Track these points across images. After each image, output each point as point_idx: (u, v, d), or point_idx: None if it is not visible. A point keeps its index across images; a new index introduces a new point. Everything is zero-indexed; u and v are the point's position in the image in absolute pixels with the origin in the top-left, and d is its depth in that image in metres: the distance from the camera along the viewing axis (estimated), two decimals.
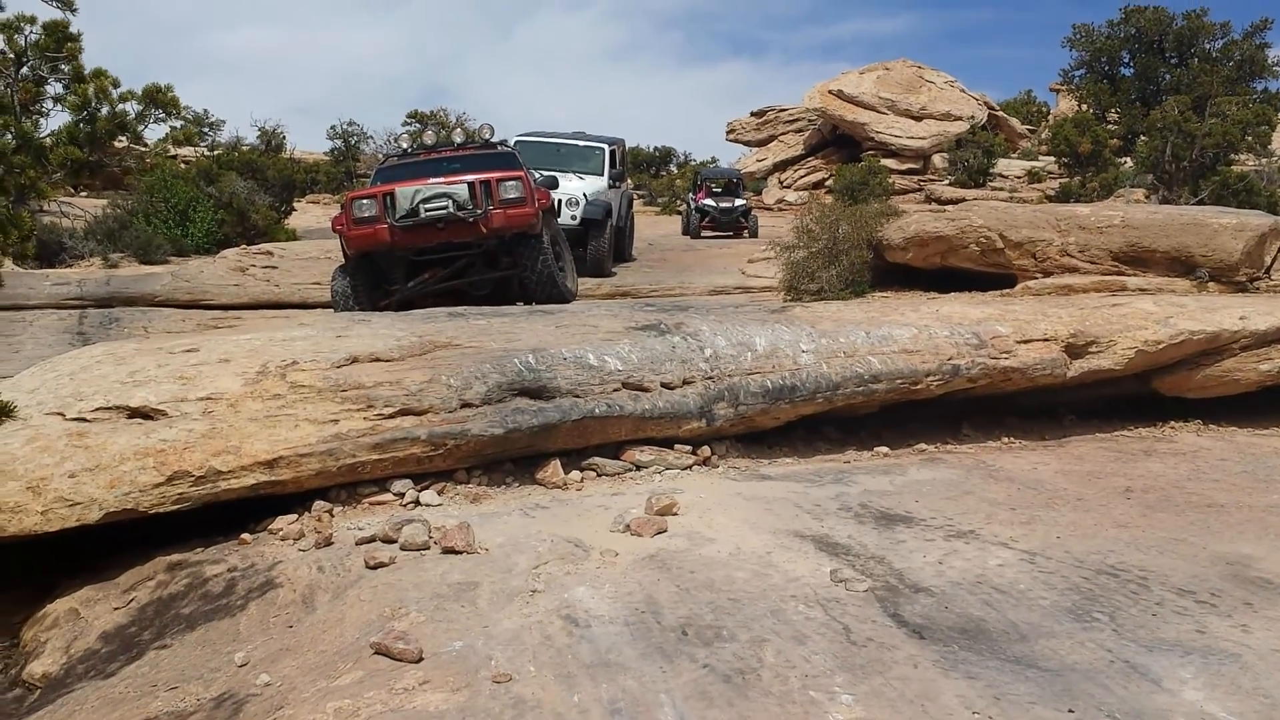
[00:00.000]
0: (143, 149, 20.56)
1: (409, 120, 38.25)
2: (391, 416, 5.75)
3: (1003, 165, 32.62)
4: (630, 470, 6.31)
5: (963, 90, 37.56)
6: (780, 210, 32.23)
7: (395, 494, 5.73)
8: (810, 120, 38.75)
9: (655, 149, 49.81)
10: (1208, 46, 33.86)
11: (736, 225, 26.01)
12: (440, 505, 5.66)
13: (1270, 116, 23.49)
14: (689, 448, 6.58)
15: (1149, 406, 7.97)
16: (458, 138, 12.33)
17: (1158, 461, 6.85)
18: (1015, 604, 4.28)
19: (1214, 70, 30.63)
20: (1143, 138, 23.58)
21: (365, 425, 5.67)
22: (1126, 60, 35.09)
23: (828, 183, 32.95)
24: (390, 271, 10.96)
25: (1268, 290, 8.97)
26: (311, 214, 28.14)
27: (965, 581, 4.53)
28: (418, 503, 5.68)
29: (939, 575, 4.60)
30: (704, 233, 25.72)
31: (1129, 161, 25.64)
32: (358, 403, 5.75)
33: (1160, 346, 7.52)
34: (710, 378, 6.70)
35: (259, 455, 5.43)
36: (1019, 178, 31.96)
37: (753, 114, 41.90)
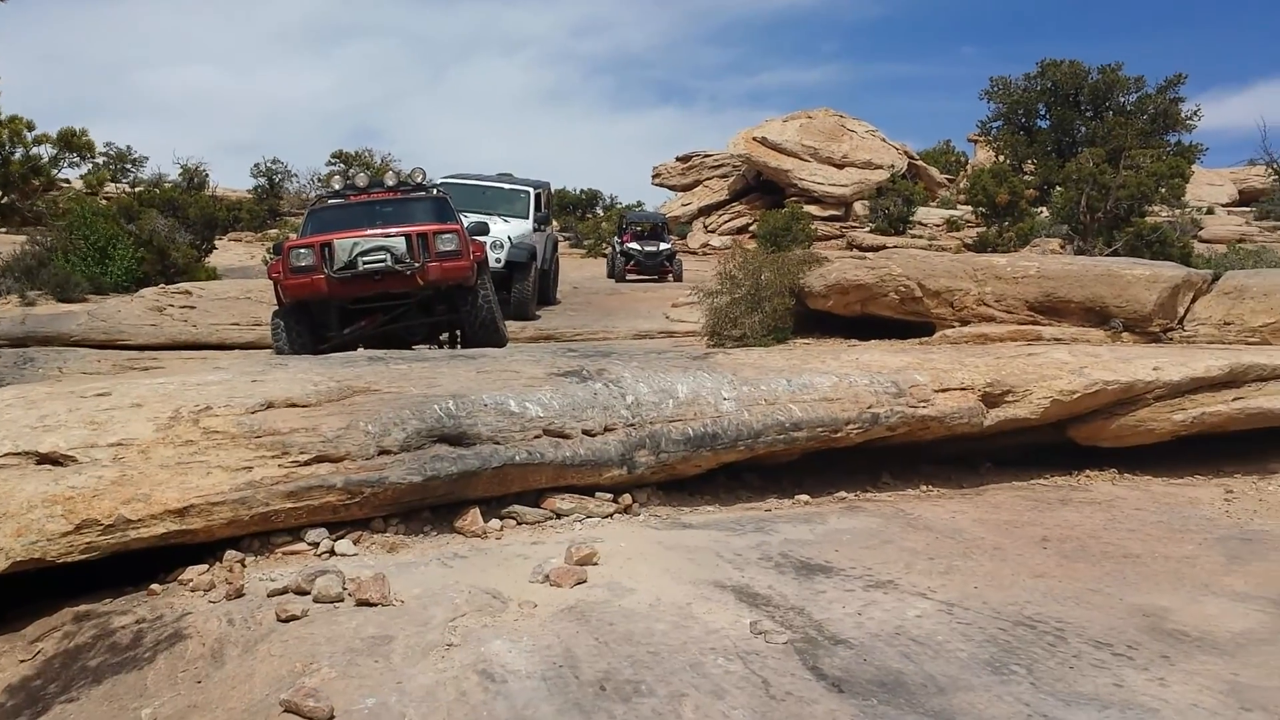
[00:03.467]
0: (56, 193, 20.22)
1: (333, 160, 38.02)
2: (307, 464, 5.63)
3: (922, 213, 33.27)
4: (551, 518, 6.25)
5: (884, 139, 38.28)
6: (705, 254, 32.50)
7: (310, 543, 5.60)
8: (735, 166, 39.23)
9: (582, 192, 50.09)
10: (1122, 100, 34.97)
11: (661, 269, 26.18)
12: (356, 555, 5.55)
13: (1183, 169, 24.25)
14: (610, 495, 6.54)
15: (1065, 455, 8.09)
16: (389, 180, 12.30)
17: (1074, 511, 6.95)
18: (933, 656, 4.29)
19: (1128, 123, 31.59)
20: (1058, 189, 24.20)
21: (280, 472, 5.55)
22: (1043, 113, 36.11)
23: (752, 228, 33.33)
24: (326, 318, 10.90)
25: (1181, 341, 9.19)
26: (233, 252, 27.77)
27: (884, 633, 4.53)
28: (333, 552, 5.56)
29: (858, 627, 4.61)
30: (629, 276, 25.86)
31: (1045, 212, 26.28)
32: (272, 449, 5.63)
33: (1075, 396, 7.65)
34: (632, 425, 6.67)
35: (170, 503, 5.28)
36: (938, 226, 32.60)
37: (678, 159, 42.33)
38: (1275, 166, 39.46)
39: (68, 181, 21.63)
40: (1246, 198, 40.76)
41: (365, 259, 10.45)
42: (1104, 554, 5.92)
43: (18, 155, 15.20)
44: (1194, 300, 9.53)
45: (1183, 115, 34.56)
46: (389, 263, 10.46)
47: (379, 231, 10.74)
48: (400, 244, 10.55)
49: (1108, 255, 17.79)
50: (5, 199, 15.95)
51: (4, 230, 21.96)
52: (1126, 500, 7.27)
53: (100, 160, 22.42)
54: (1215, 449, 8.19)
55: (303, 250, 10.61)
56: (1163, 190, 22.07)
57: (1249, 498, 7.46)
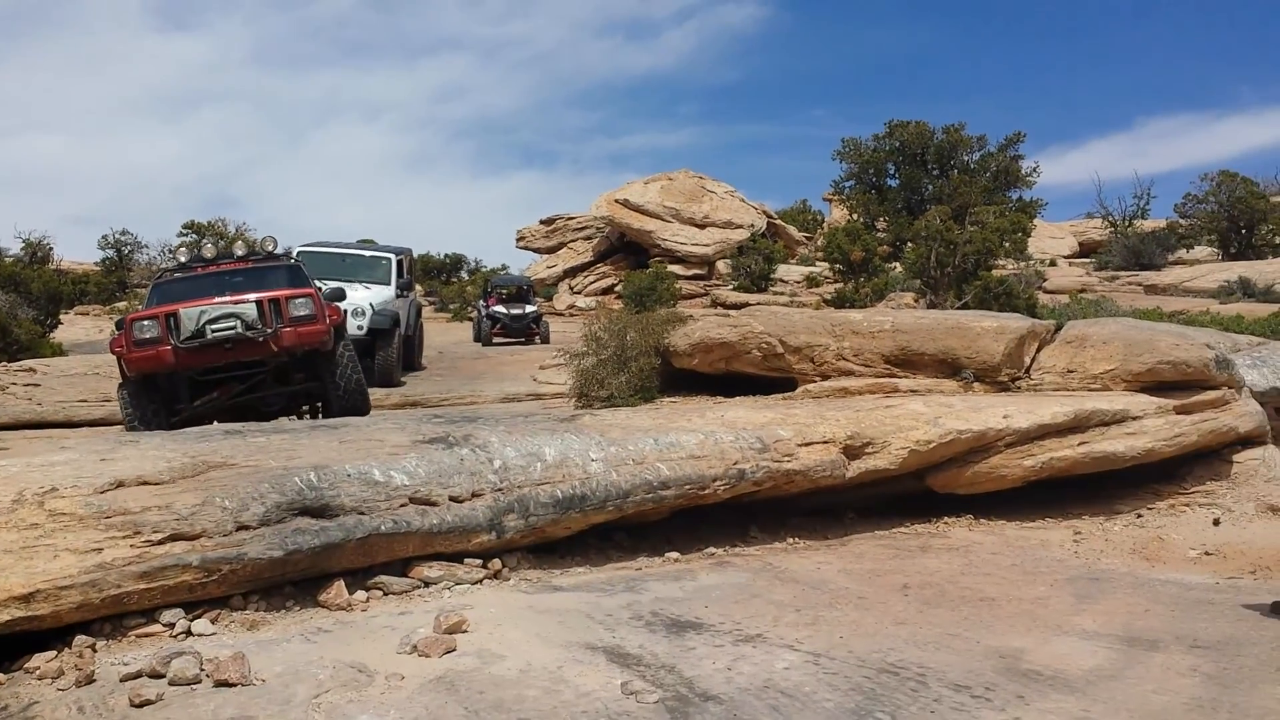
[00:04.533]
0: None
1: (185, 230, 37.18)
2: (161, 543, 5.44)
3: (783, 271, 33.97)
4: (419, 587, 6.15)
5: (743, 200, 39.09)
6: (572, 316, 32.60)
7: (165, 624, 5.40)
8: (598, 228, 39.57)
9: (446, 256, 49.84)
10: (966, 158, 36.48)
11: (528, 331, 26.16)
12: (214, 634, 5.37)
13: (1025, 224, 25.31)
14: (479, 561, 6.47)
15: (924, 503, 8.31)
16: (239, 249, 11.96)
17: (933, 557, 7.13)
18: (801, 708, 4.34)
19: (973, 181, 32.96)
20: (910, 245, 24.98)
21: (132, 553, 5.35)
22: (892, 172, 37.44)
23: (617, 288, 33.57)
24: (175, 390, 10.49)
25: (1028, 389, 9.51)
26: (80, 326, 26.83)
27: (753, 687, 4.57)
28: (189, 633, 5.36)
29: (728, 682, 4.63)
30: (495, 340, 25.77)
31: (898, 267, 27.09)
32: (124, 529, 5.42)
33: (931, 446, 7.88)
34: (500, 489, 6.63)
35: (14, 589, 5.04)
36: (798, 283, 33.33)
37: (542, 222, 42.52)
38: (1110, 219, 41.58)
39: None
40: (1086, 249, 42.74)
41: (214, 327, 10.07)
42: (962, 599, 6.09)
43: None
44: (1039, 349, 9.90)
45: (1023, 172, 36.21)
46: (239, 329, 10.11)
47: (229, 299, 10.43)
48: (251, 310, 10.22)
49: (958, 308, 18.41)
50: None
51: None
52: (983, 545, 7.50)
53: None
54: (1064, 492, 8.52)
55: (146, 322, 10.18)
56: (1007, 244, 22.96)
57: (1096, 538, 7.77)
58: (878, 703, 4.41)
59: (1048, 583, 6.49)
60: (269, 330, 10.19)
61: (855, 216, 35.16)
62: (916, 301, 22.56)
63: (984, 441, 8.10)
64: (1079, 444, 8.33)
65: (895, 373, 9.91)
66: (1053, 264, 35.49)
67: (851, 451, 7.76)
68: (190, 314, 10.08)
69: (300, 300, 10.49)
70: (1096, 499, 8.53)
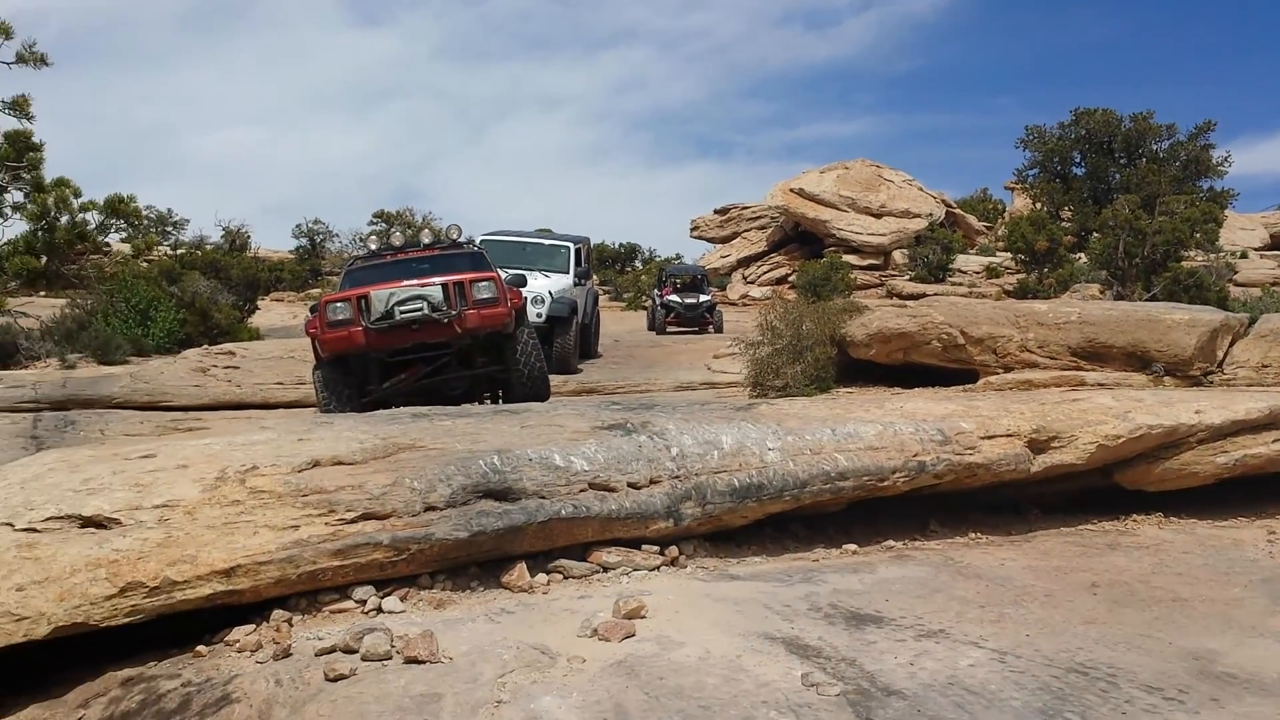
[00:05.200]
0: (102, 257, 20.53)
1: (375, 220, 38.52)
2: (353, 521, 5.65)
3: (961, 261, 33.14)
4: (597, 572, 6.22)
5: (921, 189, 38.30)
6: (745, 305, 32.51)
7: (357, 601, 5.61)
8: (773, 218, 39.35)
9: (621, 245, 50.34)
10: (1155, 147, 34.92)
11: (701, 321, 26.20)
12: (403, 612, 5.54)
13: (1216, 214, 24.11)
14: (656, 548, 6.51)
15: (1111, 500, 8.00)
16: (425, 238, 12.38)
17: (1122, 555, 6.86)
18: (987, 706, 4.23)
19: (1161, 170, 31.51)
20: (1096, 235, 24.08)
21: (326, 531, 5.57)
22: (1078, 160, 36.10)
23: (791, 278, 33.34)
24: (366, 373, 10.94)
25: (1221, 384, 9.10)
26: (275, 312, 28.09)
27: (937, 683, 4.47)
28: (380, 610, 5.56)
29: (911, 677, 4.55)
30: (669, 328, 25.89)
31: (1083, 258, 26.12)
32: (319, 508, 5.65)
33: (1120, 441, 7.57)
34: (677, 477, 6.66)
35: (216, 564, 5.30)
36: (977, 273, 32.45)
37: (716, 211, 42.50)
38: None
39: (109, 246, 21.97)
40: (1278, 241, 40.43)
41: (402, 308, 10.50)
42: (1153, 598, 5.84)
43: (64, 221, 15.39)
44: (1232, 344, 9.47)
45: (1214, 161, 34.45)
46: (425, 311, 10.51)
47: (415, 281, 10.82)
48: (437, 292, 10.61)
49: (1146, 300, 17.65)
50: (49, 265, 16.17)
51: (44, 294, 22.40)
52: (1173, 544, 7.18)
53: (145, 225, 22.77)
54: (1258, 490, 8.09)
55: (339, 304, 10.69)
56: (1197, 235, 21.92)
57: None
58: (1066, 703, 4.26)
59: (1242, 583, 6.17)
60: (453, 312, 10.54)
61: (1039, 205, 34.02)
62: (1102, 293, 21.71)
63: (1175, 437, 7.74)
64: (1274, 440, 7.90)
65: (1081, 365, 9.58)
66: (1243, 256, 33.66)
67: (1036, 445, 7.51)
68: (380, 296, 10.51)
69: (483, 284, 10.81)
70: None
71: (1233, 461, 7.83)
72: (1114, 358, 9.47)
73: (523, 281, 12.34)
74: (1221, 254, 27.31)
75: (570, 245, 18.41)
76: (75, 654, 5.27)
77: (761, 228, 40.11)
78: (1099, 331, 9.53)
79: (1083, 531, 7.59)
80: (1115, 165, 35.09)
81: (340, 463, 6.10)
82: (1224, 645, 5.01)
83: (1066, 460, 7.56)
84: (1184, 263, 21.47)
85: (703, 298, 26.79)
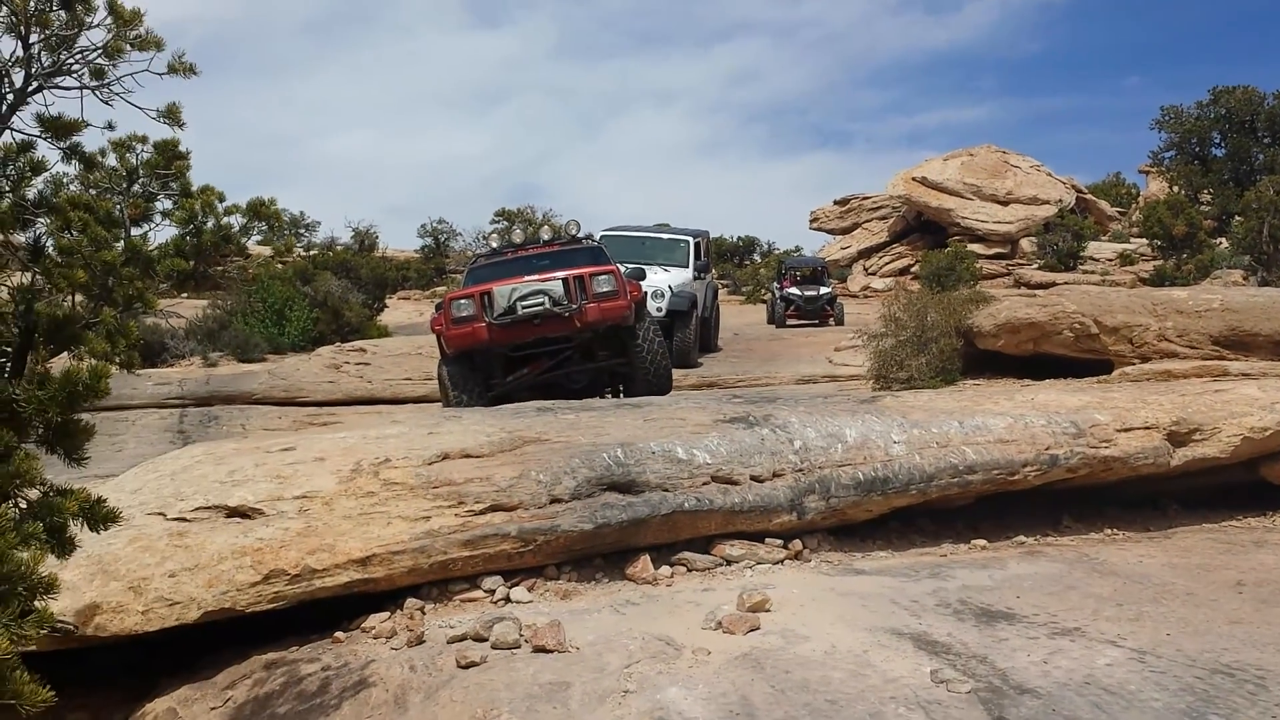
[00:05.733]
0: (245, 260, 21.28)
1: (496, 218, 39.11)
2: (482, 513, 5.76)
3: (1093, 248, 32.18)
4: (720, 565, 6.22)
5: (1049, 174, 37.32)
6: (866, 297, 32.10)
7: (486, 591, 5.71)
8: (894, 207, 38.79)
9: (739, 239, 50.15)
10: None
11: (822, 313, 25.97)
12: (530, 602, 5.63)
13: None
14: (779, 541, 6.48)
15: (1258, 495, 7.68)
16: (545, 234, 12.51)
17: (1269, 553, 6.57)
18: (1126, 706, 4.11)
19: None
20: (1238, 218, 23.17)
21: (456, 522, 5.69)
22: (1217, 141, 34.78)
23: (913, 269, 32.82)
24: (490, 368, 11.11)
25: None
26: (403, 310, 28.69)
27: (1072, 682, 4.36)
28: (508, 600, 5.65)
29: (1044, 675, 4.44)
30: (789, 321, 25.71)
31: (1224, 243, 25.16)
32: (449, 499, 5.77)
33: (1267, 433, 7.27)
34: (800, 470, 6.61)
35: (352, 553, 5.46)
36: (1110, 260, 31.48)
37: (836, 202, 42.06)
38: None
39: (250, 255, 22.75)
40: None
41: (524, 303, 10.66)
42: None
43: (209, 225, 16.10)
44: None
45: None
46: (547, 305, 10.65)
47: (536, 277, 10.97)
48: (557, 287, 10.75)
49: None
50: (197, 267, 16.89)
51: (186, 295, 23.26)
52: None
53: (284, 227, 23.50)
54: None
55: (463, 301, 10.90)
56: None
57: None
58: (1212, 705, 4.11)
59: None
60: (574, 306, 10.65)
61: (1176, 189, 32.87)
62: (1246, 279, 20.86)
63: None
64: None
65: (1224, 354, 9.25)
66: None
67: (1176, 438, 7.26)
68: (502, 292, 10.67)
69: (603, 277, 10.89)
70: None
71: None
72: (1260, 346, 9.12)
73: (642, 275, 12.39)
74: None
75: (689, 239, 18.40)
76: (222, 638, 5.49)
77: (883, 218, 39.56)
78: (1243, 319, 9.19)
79: (1226, 528, 7.31)
80: (1259, 145, 33.73)
81: (468, 455, 6.22)
82: None
83: (1209, 454, 7.29)
84: None
85: (823, 290, 26.54)
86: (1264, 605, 5.48)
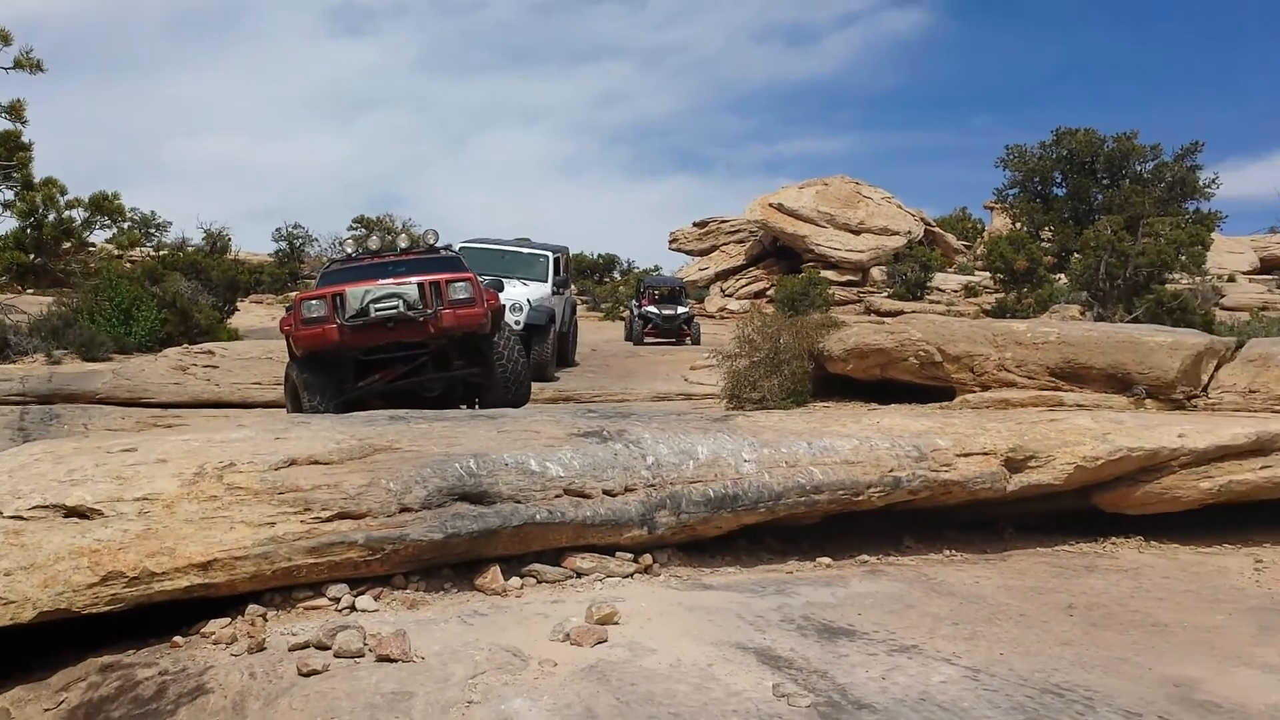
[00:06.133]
0: (88, 254, 20.54)
1: (354, 225, 38.42)
2: (329, 520, 5.65)
3: (940, 279, 33.30)
4: (571, 577, 6.23)
5: (900, 206, 38.47)
6: (723, 318, 32.57)
7: (331, 599, 5.61)
8: (751, 232, 39.47)
9: (600, 256, 50.40)
10: (1139, 168, 35.09)
11: (679, 332, 26.24)
12: (376, 611, 5.54)
13: (1203, 237, 24.18)
14: (630, 555, 6.52)
15: (1090, 522, 8.02)
16: (403, 242, 12.31)
17: (1100, 578, 6.88)
18: None
19: (1145, 191, 31.70)
20: (1076, 255, 24.20)
21: (302, 528, 5.57)
22: (1059, 180, 36.27)
23: (769, 292, 33.42)
24: (340, 371, 10.86)
25: (1205, 408, 9.12)
26: (254, 314, 28.00)
27: (909, 698, 4.48)
28: (353, 608, 5.55)
29: (882, 691, 4.56)
30: (647, 339, 25.91)
31: (1063, 278, 26.28)
32: (295, 505, 5.64)
33: (1099, 463, 7.60)
34: (652, 485, 6.66)
35: (193, 557, 5.30)
36: (956, 291, 32.61)
37: (695, 224, 42.61)
38: None
39: (93, 245, 21.99)
40: (1268, 265, 40.68)
41: (377, 306, 10.44)
42: (1132, 622, 5.86)
43: (50, 218, 15.51)
44: (1218, 368, 9.48)
45: (1200, 183, 34.67)
46: (401, 309, 10.45)
47: (392, 280, 10.81)
48: (413, 291, 10.56)
49: (1128, 322, 17.76)
50: (37, 260, 16.27)
51: (32, 291, 22.31)
52: (1154, 568, 7.21)
53: (129, 224, 22.74)
54: (1244, 518, 8.11)
55: (314, 302, 10.62)
56: (1183, 258, 21.97)
57: (1279, 567, 7.37)
58: None
59: (1226, 611, 6.19)
60: (429, 311, 10.48)
61: (1019, 225, 34.19)
62: (1082, 314, 21.83)
63: (1156, 461, 7.77)
64: (1261, 467, 7.91)
65: (1060, 385, 9.62)
66: (1231, 280, 33.86)
67: (1013, 464, 7.54)
68: (355, 293, 10.46)
69: (460, 284, 10.77)
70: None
71: (1217, 487, 7.82)
72: (1094, 379, 9.50)
73: (500, 287, 12.31)
74: (1208, 277, 27.51)
75: (549, 254, 18.42)
76: (58, 639, 5.27)
77: (740, 241, 40.22)
78: (1079, 352, 9.57)
79: (1059, 552, 7.62)
80: (1098, 185, 35.27)
81: (316, 462, 6.10)
82: (1206, 673, 5.01)
83: (1043, 480, 7.59)
84: (1168, 285, 21.59)
85: (680, 309, 26.84)
86: (1093, 628, 5.73)
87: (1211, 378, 9.39)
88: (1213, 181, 34.90)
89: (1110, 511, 7.97)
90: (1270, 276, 37.80)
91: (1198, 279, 25.13)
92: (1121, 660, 5.15)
